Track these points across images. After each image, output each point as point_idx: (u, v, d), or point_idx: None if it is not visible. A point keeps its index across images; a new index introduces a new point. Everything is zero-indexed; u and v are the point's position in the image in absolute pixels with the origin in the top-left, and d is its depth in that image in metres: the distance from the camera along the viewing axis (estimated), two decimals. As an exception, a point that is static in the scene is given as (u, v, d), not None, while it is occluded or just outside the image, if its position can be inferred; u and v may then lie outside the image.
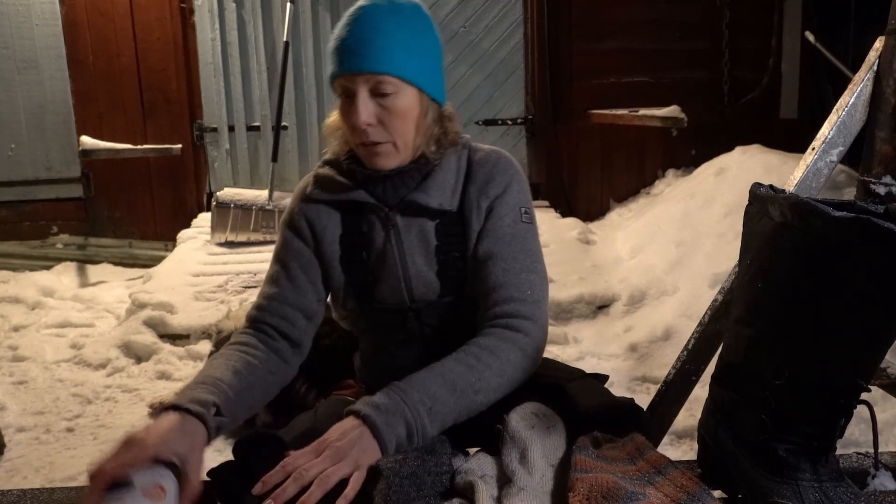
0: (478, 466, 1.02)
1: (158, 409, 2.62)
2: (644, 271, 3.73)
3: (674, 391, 1.84)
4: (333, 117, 1.30)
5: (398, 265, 1.26)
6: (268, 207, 4.16)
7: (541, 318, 1.21)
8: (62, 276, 4.24)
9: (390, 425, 1.03)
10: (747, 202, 1.03)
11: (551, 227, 4.28)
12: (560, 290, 3.52)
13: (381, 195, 1.27)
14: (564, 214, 4.65)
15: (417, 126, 1.23)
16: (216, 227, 4.13)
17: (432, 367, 1.12)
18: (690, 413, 2.21)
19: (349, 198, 1.27)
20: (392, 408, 1.04)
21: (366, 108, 1.17)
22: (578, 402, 1.19)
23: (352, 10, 1.22)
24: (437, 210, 1.25)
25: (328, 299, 1.34)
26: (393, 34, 1.18)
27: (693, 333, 1.83)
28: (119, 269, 4.47)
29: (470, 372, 1.12)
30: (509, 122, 4.96)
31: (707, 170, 4.36)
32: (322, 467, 0.96)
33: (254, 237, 4.13)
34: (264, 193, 4.22)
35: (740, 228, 1.05)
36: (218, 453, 2.36)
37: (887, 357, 1.39)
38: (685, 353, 1.83)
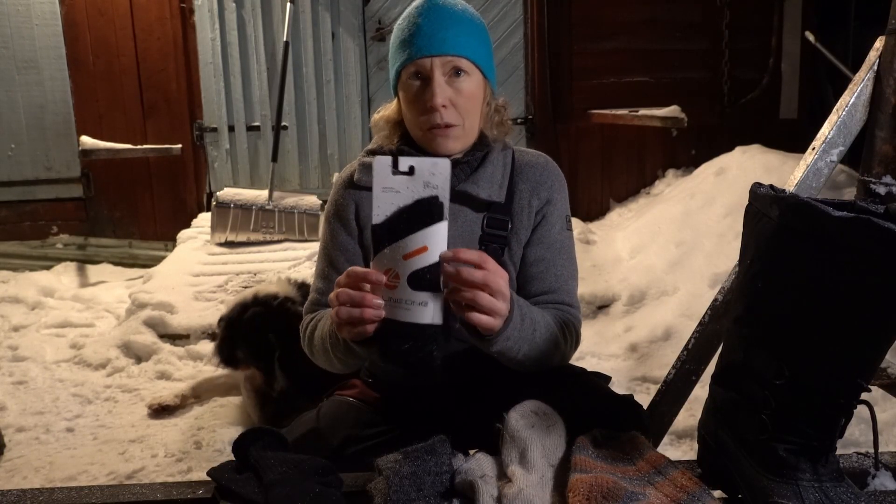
0: (478, 466, 1.02)
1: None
2: (644, 271, 3.73)
3: (674, 391, 1.85)
4: (385, 111, 1.38)
5: None
6: (268, 207, 4.16)
7: (581, 321, 1.36)
8: (62, 276, 4.24)
9: (521, 311, 1.14)
10: (747, 202, 1.03)
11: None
12: (560, 290, 3.52)
13: None
14: (564, 214, 4.66)
15: (482, 111, 1.32)
16: (216, 227, 4.13)
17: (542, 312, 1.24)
18: (690, 413, 2.21)
19: None
20: (525, 308, 1.17)
21: (442, 90, 1.25)
22: (579, 398, 1.20)
23: (419, 4, 1.29)
24: (486, 201, 1.32)
25: None
26: (465, 22, 1.28)
27: (693, 333, 1.83)
28: (119, 269, 4.47)
29: (556, 337, 1.24)
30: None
31: (707, 170, 4.36)
32: (488, 288, 1.02)
33: (254, 237, 4.13)
34: (264, 193, 4.22)
35: (740, 228, 1.05)
36: (218, 453, 2.37)
37: (887, 357, 1.39)
38: (685, 353, 1.83)
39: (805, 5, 4.88)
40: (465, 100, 1.27)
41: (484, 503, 0.94)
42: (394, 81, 1.32)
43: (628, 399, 1.27)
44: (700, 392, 1.42)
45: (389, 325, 1.01)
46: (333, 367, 1.30)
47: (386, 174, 0.98)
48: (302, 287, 2.50)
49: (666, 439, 2.20)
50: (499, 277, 1.03)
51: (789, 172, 1.80)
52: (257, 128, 4.72)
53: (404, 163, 0.98)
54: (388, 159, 0.98)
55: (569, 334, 1.29)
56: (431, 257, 0.98)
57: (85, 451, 2.39)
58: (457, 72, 1.26)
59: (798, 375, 0.94)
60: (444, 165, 0.98)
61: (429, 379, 1.33)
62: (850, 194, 3.26)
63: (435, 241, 0.98)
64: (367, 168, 1.36)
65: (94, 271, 4.38)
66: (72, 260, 4.45)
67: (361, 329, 1.02)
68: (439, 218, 0.98)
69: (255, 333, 2.33)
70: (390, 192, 0.98)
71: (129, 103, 4.54)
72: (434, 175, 0.98)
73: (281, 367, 2.33)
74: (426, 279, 0.99)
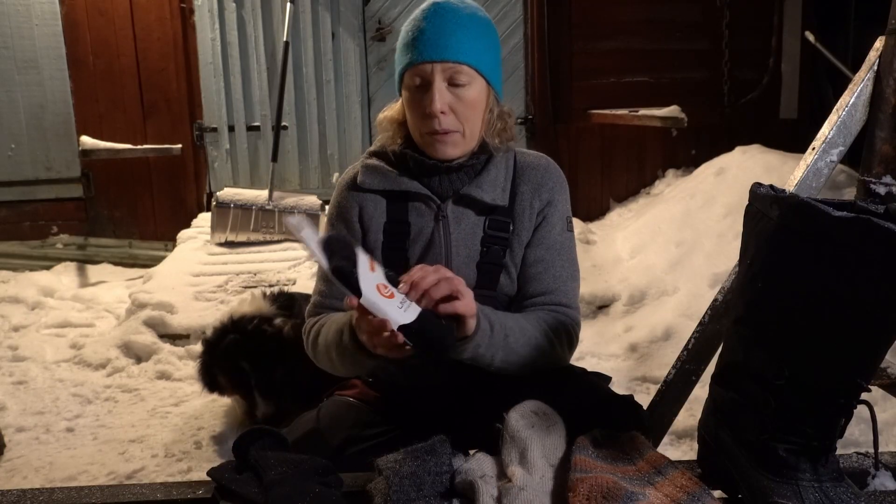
0: (478, 466, 1.02)
1: None
2: (644, 271, 3.73)
3: (674, 391, 1.85)
4: (390, 111, 1.37)
5: (443, 255, 1.31)
6: (268, 207, 4.16)
7: (580, 322, 1.37)
8: (62, 276, 4.24)
9: (489, 319, 1.17)
10: (747, 202, 1.03)
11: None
12: (560, 290, 3.52)
13: (436, 187, 1.33)
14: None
15: (483, 118, 1.31)
16: (216, 227, 4.13)
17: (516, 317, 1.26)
18: (690, 413, 2.21)
19: (403, 187, 1.33)
20: (493, 315, 1.20)
21: (442, 96, 1.24)
22: (579, 398, 1.21)
23: (426, 7, 1.28)
24: (490, 205, 1.32)
25: None
26: (469, 28, 1.26)
27: (693, 333, 1.83)
28: (119, 269, 4.47)
29: (537, 341, 1.25)
30: (509, 122, 4.96)
31: (707, 170, 4.36)
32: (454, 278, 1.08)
33: (254, 237, 4.13)
34: (264, 193, 4.22)
35: (740, 228, 1.05)
36: (218, 453, 2.37)
37: (887, 357, 1.39)
38: (685, 353, 1.83)
39: (805, 5, 4.88)
40: (466, 107, 1.27)
41: (484, 503, 0.94)
42: (398, 83, 1.32)
43: (628, 399, 1.27)
44: (700, 392, 1.42)
45: (418, 324, 1.04)
46: (337, 371, 1.31)
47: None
48: (278, 298, 2.50)
49: (666, 439, 2.20)
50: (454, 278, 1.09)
51: (789, 172, 1.79)
52: (257, 128, 4.72)
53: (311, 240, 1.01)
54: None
55: (559, 337, 1.28)
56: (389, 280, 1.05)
57: (85, 451, 2.39)
58: (458, 78, 1.25)
59: (798, 375, 0.94)
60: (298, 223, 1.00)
61: (434, 377, 1.33)
62: (850, 194, 3.26)
63: (377, 278, 1.03)
64: (370, 170, 1.36)
65: (94, 271, 4.38)
66: (72, 260, 4.44)
67: (397, 348, 1.06)
68: (356, 285, 1.00)
69: (229, 362, 2.36)
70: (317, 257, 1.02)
71: (129, 103, 4.54)
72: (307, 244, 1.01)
73: (261, 395, 2.34)
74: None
